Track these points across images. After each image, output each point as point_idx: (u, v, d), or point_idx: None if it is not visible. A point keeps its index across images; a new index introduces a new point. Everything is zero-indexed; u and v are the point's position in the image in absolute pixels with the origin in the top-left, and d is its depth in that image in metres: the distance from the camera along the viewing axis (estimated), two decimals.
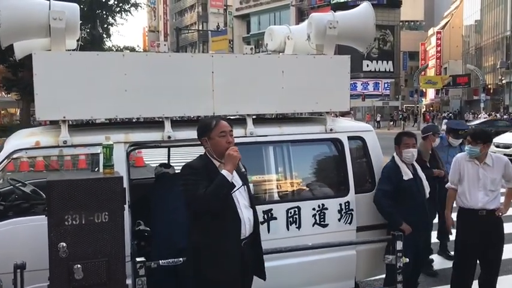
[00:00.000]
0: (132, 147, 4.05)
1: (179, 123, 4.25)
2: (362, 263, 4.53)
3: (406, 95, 59.60)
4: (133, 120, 4.49)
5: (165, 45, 4.15)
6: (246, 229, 3.06)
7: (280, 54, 4.84)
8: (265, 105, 4.38)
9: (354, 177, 4.52)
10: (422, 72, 55.97)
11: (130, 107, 3.97)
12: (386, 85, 52.92)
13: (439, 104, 63.04)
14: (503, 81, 48.31)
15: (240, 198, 3.08)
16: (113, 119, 4.08)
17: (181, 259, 3.49)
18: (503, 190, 4.59)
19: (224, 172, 2.91)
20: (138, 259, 3.31)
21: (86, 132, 3.99)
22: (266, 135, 4.33)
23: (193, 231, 3.09)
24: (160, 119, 4.12)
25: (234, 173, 3.06)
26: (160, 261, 3.42)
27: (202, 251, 3.01)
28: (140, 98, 3.96)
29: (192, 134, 4.10)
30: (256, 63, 4.34)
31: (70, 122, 3.90)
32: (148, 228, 4.61)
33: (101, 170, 3.72)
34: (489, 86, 51.64)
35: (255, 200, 3.24)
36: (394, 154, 4.68)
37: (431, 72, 63.83)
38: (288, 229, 4.26)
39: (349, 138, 4.57)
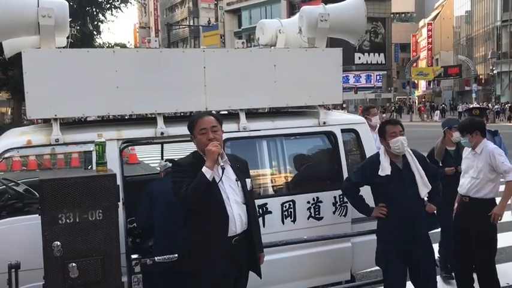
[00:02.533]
0: (125, 144, 4.03)
1: (172, 119, 4.23)
2: (358, 255, 4.54)
3: (399, 87, 59.81)
4: (126, 117, 4.47)
5: (156, 41, 4.13)
6: (237, 226, 3.02)
7: (272, 48, 4.83)
8: (258, 99, 4.37)
9: (348, 169, 4.53)
10: (414, 64, 56.09)
11: (122, 104, 3.95)
12: (378, 77, 53.06)
13: (431, 95, 63.24)
14: (495, 72, 48.56)
15: (231, 193, 3.04)
16: (105, 116, 4.05)
17: (176, 255, 3.49)
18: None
19: (203, 169, 2.89)
20: (133, 256, 3.30)
21: (78, 130, 3.97)
22: (259, 130, 4.32)
23: (184, 228, 3.10)
24: (153, 115, 4.10)
25: (229, 168, 3.05)
26: (156, 258, 3.42)
27: (192, 247, 3.02)
28: (132, 94, 3.94)
29: (185, 129, 4.10)
30: (248, 58, 4.33)
31: (61, 120, 3.87)
32: None
33: (94, 167, 3.72)
34: (480, 77, 51.86)
35: (251, 196, 3.21)
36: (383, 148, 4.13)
37: (422, 63, 63.99)
38: (283, 223, 4.27)
39: (342, 130, 4.57)
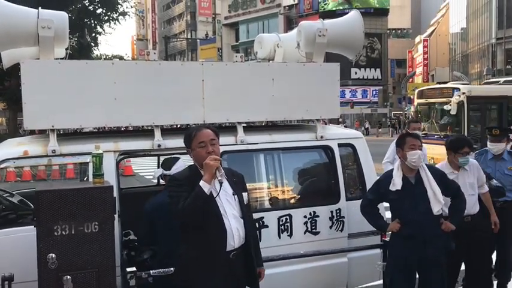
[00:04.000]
0: (122, 156, 4.02)
1: (169, 131, 4.23)
2: (354, 270, 4.52)
3: (395, 102, 59.99)
4: (123, 129, 4.46)
5: (154, 53, 4.14)
6: (235, 240, 2.99)
7: (270, 62, 4.86)
8: (256, 113, 4.38)
9: (345, 184, 4.52)
10: (410, 80, 56.42)
11: (119, 116, 3.95)
12: (374, 92, 53.28)
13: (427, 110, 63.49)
14: None
15: (228, 207, 3.02)
16: (102, 127, 4.04)
17: (172, 269, 3.46)
18: None
19: (201, 183, 2.87)
20: (128, 269, 3.27)
21: (75, 141, 3.95)
22: (257, 143, 4.32)
23: (181, 244, 3.07)
24: (150, 128, 4.10)
25: (226, 182, 3.03)
26: (151, 271, 3.38)
27: (189, 263, 2.98)
28: (130, 106, 3.95)
29: (182, 142, 4.11)
30: (246, 71, 4.35)
31: (58, 131, 3.86)
32: (136, 238, 4.57)
33: (90, 179, 3.70)
34: None
35: (248, 209, 3.19)
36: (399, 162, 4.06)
37: (418, 79, 64.33)
38: (279, 237, 4.25)
39: (340, 145, 4.58)
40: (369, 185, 4.66)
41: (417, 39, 68.33)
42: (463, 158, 4.46)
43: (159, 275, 3.40)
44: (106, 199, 2.91)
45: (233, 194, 3.07)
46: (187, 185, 2.95)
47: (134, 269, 3.31)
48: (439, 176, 3.95)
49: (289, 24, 54.14)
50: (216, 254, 2.94)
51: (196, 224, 2.92)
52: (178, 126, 4.45)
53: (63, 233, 2.81)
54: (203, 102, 4.14)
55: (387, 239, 4.30)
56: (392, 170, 4.07)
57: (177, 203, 2.89)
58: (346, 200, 4.50)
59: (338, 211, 4.45)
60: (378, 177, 4.33)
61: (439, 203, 3.83)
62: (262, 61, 5.31)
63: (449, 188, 3.99)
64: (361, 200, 4.36)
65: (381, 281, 4.72)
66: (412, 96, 56.52)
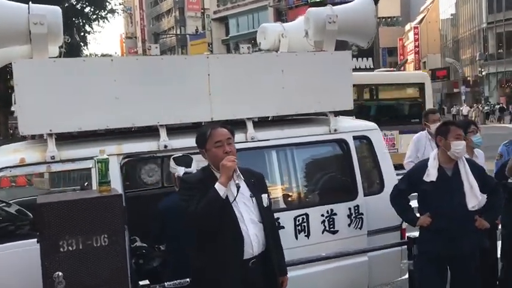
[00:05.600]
0: (126, 160, 3.75)
1: (176, 131, 3.96)
2: (375, 269, 4.29)
3: None
4: (126, 130, 4.19)
5: (156, 47, 3.87)
6: (254, 247, 2.74)
7: (279, 52, 4.59)
8: (266, 107, 4.13)
9: (362, 178, 4.29)
10: (402, 68, 56.27)
11: (122, 116, 3.69)
12: None
13: None
14: (483, 73, 48.88)
15: (246, 212, 2.77)
16: (104, 129, 3.76)
17: (188, 280, 3.21)
18: None
19: (216, 186, 2.63)
20: (141, 282, 3.02)
21: (75, 146, 3.69)
22: (268, 139, 4.07)
23: (194, 253, 2.82)
24: (155, 127, 3.83)
25: (243, 184, 2.78)
26: (165, 284, 3.13)
27: (204, 274, 2.74)
28: (132, 105, 3.68)
29: (190, 142, 3.83)
30: (254, 63, 4.09)
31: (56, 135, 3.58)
32: (145, 245, 4.31)
33: (94, 186, 3.44)
34: (468, 78, 52.22)
35: (269, 212, 2.94)
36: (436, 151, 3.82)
37: (410, 67, 64.22)
38: (296, 238, 4.01)
39: (354, 138, 4.33)
40: (386, 179, 4.44)
41: (407, 26, 68.14)
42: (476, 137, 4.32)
43: (174, 287, 3.15)
44: (115, 209, 2.64)
45: (251, 197, 2.82)
46: (199, 188, 2.70)
47: (147, 282, 3.06)
48: (477, 170, 3.70)
49: (279, 17, 53.65)
50: (231, 263, 2.70)
51: (211, 230, 2.67)
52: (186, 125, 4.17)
53: (70, 248, 2.55)
54: (210, 98, 3.88)
55: (408, 235, 4.07)
56: (427, 160, 3.82)
57: (188, 207, 2.64)
58: (364, 196, 4.27)
59: (356, 208, 4.22)
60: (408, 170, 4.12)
61: (475, 198, 3.58)
62: (266, 52, 5.06)
63: (487, 184, 3.74)
64: (382, 193, 4.18)
65: (404, 277, 4.54)
66: None
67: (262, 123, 4.32)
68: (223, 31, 65.94)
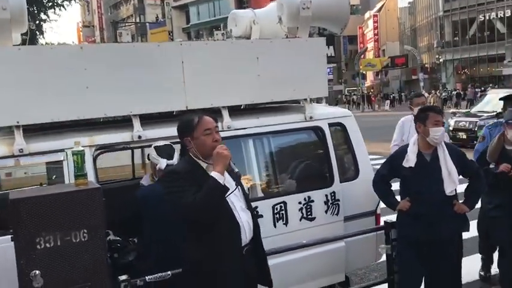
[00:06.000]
0: (99, 151, 3.61)
1: (150, 120, 3.84)
2: (351, 254, 4.33)
3: (348, 79, 60.78)
4: (98, 121, 4.04)
5: (127, 34, 3.72)
6: (247, 234, 2.73)
7: (253, 39, 4.52)
8: (242, 95, 4.06)
9: (337, 165, 4.30)
10: (362, 56, 57.14)
11: (93, 106, 3.53)
12: (329, 70, 53.53)
13: (379, 85, 64.78)
14: (441, 60, 50.27)
15: (236, 201, 2.74)
16: (75, 120, 3.61)
17: (169, 273, 3.13)
18: None
19: (214, 174, 2.54)
20: (121, 277, 2.92)
21: (44, 138, 3.52)
22: (244, 128, 4.01)
23: (188, 246, 2.72)
24: (128, 117, 3.71)
25: (226, 173, 2.72)
26: (146, 278, 3.04)
27: (201, 267, 2.66)
28: (104, 95, 3.54)
29: (165, 132, 3.75)
30: (229, 50, 4.00)
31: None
32: (119, 238, 4.19)
33: (67, 180, 3.30)
34: (426, 65, 53.60)
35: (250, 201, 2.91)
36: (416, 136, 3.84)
37: (370, 54, 65.35)
38: (275, 226, 3.99)
39: (330, 125, 4.33)
40: (361, 165, 4.47)
41: (367, 14, 69.17)
42: None
43: (156, 281, 3.07)
44: (95, 203, 2.53)
45: (236, 185, 2.77)
46: (191, 179, 2.62)
47: (125, 276, 2.96)
48: (457, 155, 3.74)
49: (241, 4, 53.37)
50: (230, 253, 2.65)
51: (210, 221, 2.60)
52: (160, 114, 4.06)
53: (48, 245, 2.42)
54: (184, 87, 3.78)
55: (386, 220, 4.12)
56: (407, 146, 3.85)
57: (184, 198, 2.54)
58: (340, 182, 4.28)
59: (333, 194, 4.23)
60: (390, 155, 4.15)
61: (453, 183, 3.62)
62: (238, 40, 4.97)
63: (468, 168, 3.79)
64: (357, 180, 4.25)
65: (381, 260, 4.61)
66: (365, 72, 57.56)
67: (237, 111, 4.25)
68: (183, 19, 65.02)
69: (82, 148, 2.76)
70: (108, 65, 3.54)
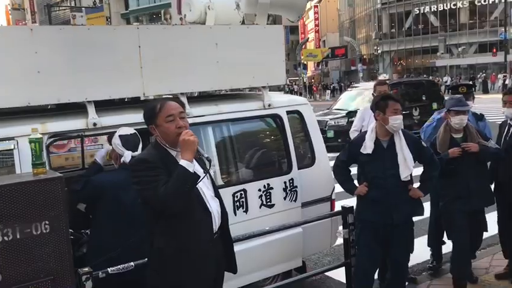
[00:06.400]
0: (52, 139, 3.43)
1: (106, 107, 3.69)
2: (308, 239, 4.40)
3: (290, 69, 61.42)
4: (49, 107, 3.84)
5: (81, 16, 3.56)
6: (216, 222, 2.69)
7: (213, 25, 4.44)
8: (200, 82, 3.99)
9: (295, 152, 4.34)
10: (304, 46, 57.96)
11: (45, 92, 3.36)
12: None
13: (319, 75, 66.02)
14: (379, 51, 51.95)
15: (205, 188, 2.67)
16: (25, 107, 3.41)
17: (132, 264, 3.05)
18: None
19: (183, 162, 2.46)
20: (82, 270, 2.80)
21: None
22: (203, 115, 3.95)
23: (156, 234, 2.63)
24: (83, 104, 3.54)
25: (194, 161, 2.66)
26: (108, 270, 2.94)
27: (171, 256, 2.59)
28: (56, 80, 3.36)
29: (122, 119, 3.62)
30: (187, 36, 3.92)
31: None
32: (71, 230, 4.02)
33: (18, 170, 3.12)
34: (365, 57, 55.18)
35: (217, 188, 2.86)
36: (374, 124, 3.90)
37: (311, 45, 66.37)
38: (235, 214, 3.97)
39: (288, 112, 4.36)
40: (317, 152, 4.54)
41: (308, 5, 69.98)
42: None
43: (118, 272, 2.97)
44: (56, 192, 2.39)
45: (204, 173, 2.71)
46: (161, 167, 2.53)
47: (87, 269, 2.85)
48: (413, 142, 3.86)
49: None
50: (202, 242, 2.59)
51: (179, 210, 2.52)
52: (116, 100, 3.91)
53: (6, 238, 2.27)
54: (141, 72, 3.66)
55: (343, 205, 4.22)
56: (365, 132, 3.95)
57: (153, 188, 2.45)
58: (298, 169, 4.33)
59: (291, 181, 4.28)
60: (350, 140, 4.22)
61: (408, 169, 3.74)
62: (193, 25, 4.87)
63: (423, 155, 3.92)
64: (314, 166, 4.32)
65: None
66: (306, 62, 58.47)
67: (196, 98, 4.18)
68: (122, 5, 62.93)
69: (40, 135, 2.61)
70: (61, 48, 3.37)
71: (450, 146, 4.22)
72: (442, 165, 4.05)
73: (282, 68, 4.37)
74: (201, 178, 2.55)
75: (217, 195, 2.77)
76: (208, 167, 2.59)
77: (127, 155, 3.30)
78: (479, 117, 4.94)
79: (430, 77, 34.83)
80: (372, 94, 5.54)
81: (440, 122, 4.70)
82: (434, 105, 13.42)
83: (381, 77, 16.22)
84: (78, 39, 3.45)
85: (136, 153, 3.34)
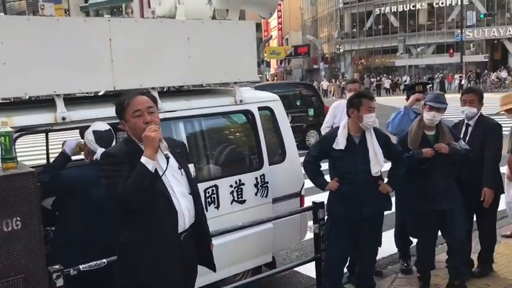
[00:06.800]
0: (19, 133, 3.31)
1: (75, 101, 3.60)
2: (278, 234, 4.43)
3: None
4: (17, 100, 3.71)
5: (50, 6, 3.43)
6: (186, 220, 2.63)
7: (185, 19, 4.40)
8: (172, 76, 3.94)
9: (267, 148, 4.36)
10: (267, 44, 58.15)
11: (12, 84, 3.23)
12: None
13: (282, 73, 66.44)
14: (341, 50, 52.73)
15: (176, 185, 2.63)
16: None
17: (104, 260, 2.99)
18: None
19: (143, 159, 2.43)
20: (53, 267, 2.72)
21: None
22: (174, 110, 3.91)
23: (121, 229, 2.61)
24: (51, 97, 3.44)
25: (171, 156, 2.62)
26: (80, 267, 2.88)
27: (134, 252, 2.56)
28: (24, 72, 3.25)
29: (93, 113, 3.54)
30: (159, 29, 3.86)
31: None
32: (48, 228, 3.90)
33: None
34: (327, 55, 55.94)
35: (195, 184, 2.83)
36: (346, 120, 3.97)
37: (274, 43, 66.67)
38: (206, 210, 3.92)
39: (259, 108, 4.37)
40: (288, 148, 4.58)
41: None
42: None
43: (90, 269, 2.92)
44: (29, 188, 2.32)
45: (179, 168, 2.68)
46: (127, 162, 2.49)
47: (58, 266, 2.77)
48: (383, 139, 3.94)
49: None
50: (166, 239, 2.56)
51: (140, 207, 2.50)
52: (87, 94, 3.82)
53: None
54: (112, 65, 3.59)
55: (314, 200, 4.28)
56: (337, 128, 4.00)
57: (115, 185, 2.43)
58: (269, 165, 4.36)
59: (262, 177, 4.30)
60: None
61: (378, 164, 3.82)
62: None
63: (392, 152, 4.00)
64: (284, 162, 4.34)
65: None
66: (269, 60, 58.68)
67: (167, 93, 4.13)
68: None
69: (10, 129, 2.52)
70: (29, 40, 3.25)
71: (422, 142, 4.15)
72: (412, 163, 4.04)
73: (253, 64, 4.38)
74: (161, 174, 2.51)
75: (193, 192, 2.73)
76: (166, 166, 2.52)
77: (100, 152, 3.22)
78: None
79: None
80: (344, 92, 5.61)
81: (406, 110, 4.75)
82: (311, 112, 12.81)
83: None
84: (47, 30, 3.34)
85: None
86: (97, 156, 3.26)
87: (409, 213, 4.46)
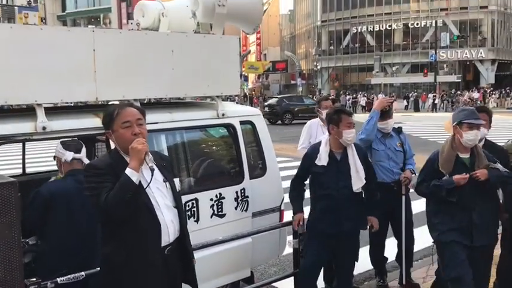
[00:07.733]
0: None
1: (56, 111, 3.56)
2: (257, 249, 4.43)
3: None
4: None
5: (34, 15, 3.41)
6: (170, 234, 2.62)
7: (169, 32, 4.41)
8: (155, 88, 3.93)
9: (248, 162, 4.38)
10: (245, 58, 58.47)
11: None
12: None
13: (260, 88, 66.83)
14: (318, 67, 53.40)
15: (161, 197, 2.61)
16: None
17: (83, 273, 2.94)
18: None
19: (127, 171, 2.42)
20: (29, 280, 2.66)
21: None
22: (156, 123, 3.89)
23: (104, 242, 2.59)
24: (32, 107, 3.39)
25: (156, 169, 2.61)
26: (58, 280, 2.82)
27: (117, 266, 2.53)
28: (5, 81, 3.19)
29: (73, 124, 3.50)
30: (143, 41, 3.85)
31: None
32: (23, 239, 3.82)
33: None
34: (304, 72, 56.57)
35: (180, 198, 2.82)
36: (327, 136, 3.99)
37: (252, 58, 67.10)
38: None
39: (241, 122, 4.39)
40: (268, 162, 4.60)
41: None
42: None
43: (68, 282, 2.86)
44: (9, 198, 2.27)
45: (164, 181, 2.67)
46: (110, 174, 2.48)
47: (35, 279, 2.71)
48: (363, 155, 4.00)
49: None
50: (150, 253, 2.54)
51: (123, 220, 2.47)
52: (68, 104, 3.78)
53: None
54: (95, 76, 3.56)
55: (285, 219, 4.32)
56: (319, 144, 4.04)
57: (98, 196, 2.41)
58: (250, 179, 4.37)
59: (243, 191, 4.30)
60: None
61: (360, 181, 3.86)
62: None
63: (369, 169, 4.05)
64: (265, 177, 4.43)
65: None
66: (247, 74, 59.00)
67: (149, 105, 4.12)
68: (59, 6, 60.87)
69: None
70: (11, 48, 3.21)
71: (455, 166, 3.58)
72: (440, 194, 3.58)
73: (236, 78, 4.41)
74: (145, 186, 2.50)
75: (178, 206, 2.72)
76: (150, 179, 2.51)
77: (68, 155, 3.34)
78: (399, 131, 4.87)
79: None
80: (317, 110, 5.50)
81: (377, 116, 4.56)
82: None
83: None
84: (30, 39, 3.30)
85: (78, 155, 3.40)
86: (65, 157, 3.39)
87: (437, 244, 3.84)
